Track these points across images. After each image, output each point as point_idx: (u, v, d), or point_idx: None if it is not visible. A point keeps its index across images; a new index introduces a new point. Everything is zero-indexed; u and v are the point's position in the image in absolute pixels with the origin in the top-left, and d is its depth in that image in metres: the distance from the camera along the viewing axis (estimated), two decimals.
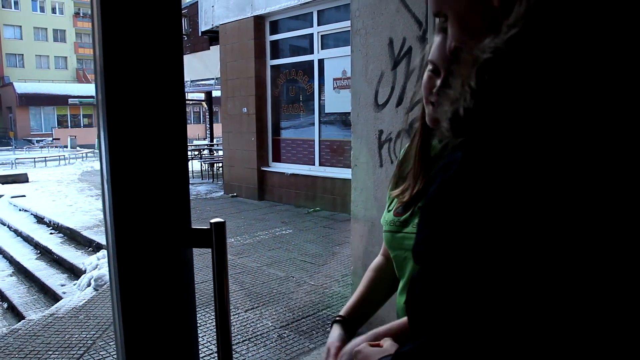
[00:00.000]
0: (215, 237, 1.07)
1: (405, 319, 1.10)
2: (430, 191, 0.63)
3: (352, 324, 1.29)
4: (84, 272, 6.10)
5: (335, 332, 1.27)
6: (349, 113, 8.37)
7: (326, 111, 8.89)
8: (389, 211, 1.35)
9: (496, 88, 0.51)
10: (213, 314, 4.34)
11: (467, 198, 0.55)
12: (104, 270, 5.70)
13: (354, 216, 3.63)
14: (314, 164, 9.12)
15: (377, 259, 1.45)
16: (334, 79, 8.58)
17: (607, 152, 0.48)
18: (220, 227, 1.08)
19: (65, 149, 28.60)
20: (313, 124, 9.13)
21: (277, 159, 9.85)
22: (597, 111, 0.48)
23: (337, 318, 1.30)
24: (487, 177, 0.53)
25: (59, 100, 37.48)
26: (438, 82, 1.13)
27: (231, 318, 4.11)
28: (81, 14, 48.43)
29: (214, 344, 3.71)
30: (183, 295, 1.07)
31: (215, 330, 1.13)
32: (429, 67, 1.16)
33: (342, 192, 8.23)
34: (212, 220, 1.06)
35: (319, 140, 9.04)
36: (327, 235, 6.96)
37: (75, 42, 48.47)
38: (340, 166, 8.62)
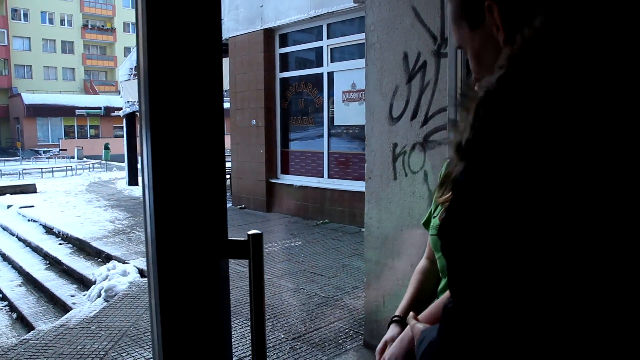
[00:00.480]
0: (253, 248, 1.09)
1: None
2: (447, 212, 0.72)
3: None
4: (94, 282, 6.12)
5: (393, 330, 1.34)
6: (358, 126, 8.48)
7: (335, 124, 8.94)
8: (434, 217, 1.42)
9: (487, 121, 0.60)
10: (239, 322, 4.33)
11: (472, 214, 0.63)
12: (114, 281, 5.72)
13: (367, 228, 3.65)
14: (322, 176, 9.14)
15: (422, 262, 1.51)
16: (344, 92, 8.63)
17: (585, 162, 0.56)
18: (257, 239, 1.10)
19: (72, 159, 28.75)
20: (322, 136, 9.17)
21: (285, 171, 9.88)
22: (569, 138, 0.56)
23: (394, 318, 1.37)
24: (486, 192, 0.61)
25: (66, 111, 37.79)
26: None
27: (243, 330, 4.12)
28: (89, 26, 48.91)
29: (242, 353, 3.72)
30: (220, 305, 1.09)
31: (249, 338, 1.15)
32: None
33: (350, 204, 8.25)
34: (250, 232, 1.09)
35: (328, 153, 9.07)
36: (337, 247, 6.96)
37: (83, 53, 48.87)
38: (349, 178, 8.64)
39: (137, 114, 14.77)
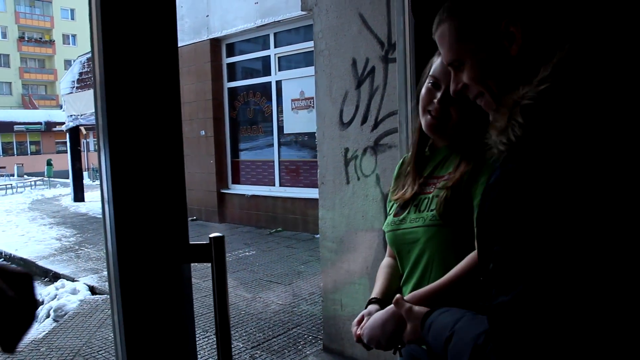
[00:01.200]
0: (215, 252, 1.10)
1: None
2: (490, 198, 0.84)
3: (385, 302, 1.38)
4: (42, 303, 5.89)
5: (372, 307, 1.40)
6: (307, 133, 8.53)
7: (285, 132, 8.96)
8: (389, 215, 1.50)
9: (539, 124, 0.76)
10: (201, 330, 4.27)
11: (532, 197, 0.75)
12: (63, 300, 5.54)
13: (321, 233, 3.68)
14: (274, 185, 9.14)
15: (386, 259, 1.58)
16: (292, 100, 8.67)
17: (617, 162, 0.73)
18: (219, 242, 1.11)
19: (11, 177, 27.62)
20: (272, 145, 9.17)
21: (236, 181, 9.82)
22: (614, 143, 0.73)
23: (372, 299, 1.44)
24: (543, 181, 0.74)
25: (3, 127, 36.21)
26: (437, 94, 1.36)
27: (201, 341, 4.07)
28: (26, 38, 47.19)
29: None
30: (183, 309, 1.09)
31: (207, 349, 1.15)
32: (430, 80, 1.38)
33: (303, 211, 8.27)
34: (212, 235, 1.10)
35: (279, 161, 9.08)
36: (291, 254, 6.97)
37: (20, 66, 47.12)
38: (301, 186, 8.67)
39: (81, 127, 14.33)
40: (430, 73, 1.38)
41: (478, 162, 1.29)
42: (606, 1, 0.91)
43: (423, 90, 1.39)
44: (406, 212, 1.42)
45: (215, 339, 1.11)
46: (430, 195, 1.38)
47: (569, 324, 0.71)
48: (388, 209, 1.54)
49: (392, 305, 1.21)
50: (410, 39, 1.88)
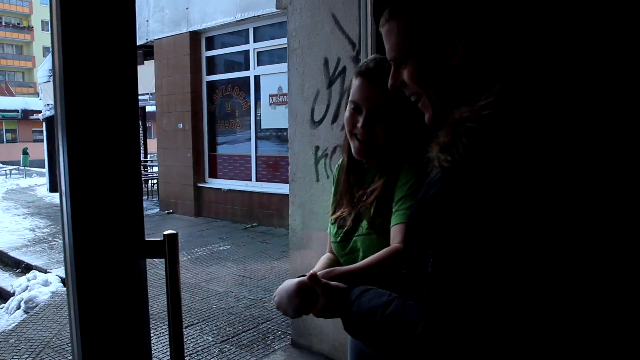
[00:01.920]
0: (168, 248, 1.14)
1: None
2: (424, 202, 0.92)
3: None
4: (13, 294, 5.86)
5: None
6: (285, 129, 8.55)
7: (262, 127, 8.98)
8: (332, 224, 1.58)
9: (480, 147, 0.82)
10: (157, 327, 4.28)
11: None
12: (35, 292, 5.51)
13: (292, 230, 3.73)
14: (250, 180, 9.16)
15: (328, 255, 1.64)
16: (270, 95, 8.69)
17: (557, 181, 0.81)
18: (172, 239, 1.15)
19: None
20: (249, 140, 9.19)
21: (213, 174, 9.81)
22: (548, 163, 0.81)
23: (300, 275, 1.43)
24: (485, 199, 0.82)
25: None
26: (360, 118, 1.41)
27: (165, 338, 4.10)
28: (3, 23, 46.33)
29: (160, 357, 3.69)
30: (138, 304, 1.13)
31: (166, 342, 1.19)
32: (351, 105, 1.43)
33: (279, 207, 8.31)
34: (165, 232, 1.14)
35: (256, 156, 9.10)
36: (265, 250, 7.01)
37: None
38: (277, 182, 8.70)
39: None
40: (350, 98, 1.43)
41: (393, 170, 1.42)
42: (550, 30, 0.99)
43: (346, 114, 1.45)
44: (348, 223, 1.51)
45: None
46: (365, 207, 1.47)
47: (488, 327, 0.82)
48: (331, 221, 1.60)
49: (302, 278, 1.25)
50: (373, 42, 1.94)
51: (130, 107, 1.07)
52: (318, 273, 1.23)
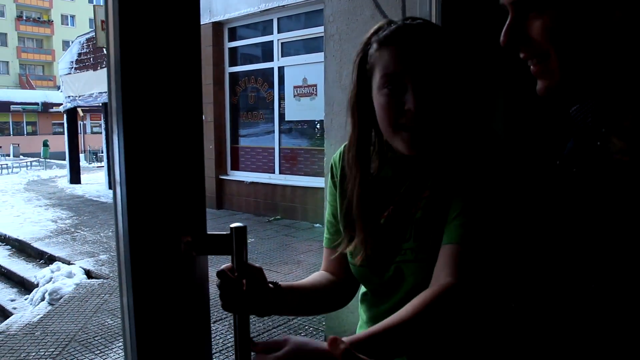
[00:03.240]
0: (236, 243, 1.02)
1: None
2: None
3: (280, 290, 1.09)
4: (37, 285, 5.82)
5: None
6: (309, 121, 8.42)
7: (286, 119, 8.85)
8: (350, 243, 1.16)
9: None
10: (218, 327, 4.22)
11: None
12: (59, 284, 5.46)
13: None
14: (274, 172, 9.05)
15: (326, 275, 1.25)
16: (295, 87, 8.55)
17: None
18: (241, 232, 1.03)
19: (7, 157, 27.46)
20: (273, 132, 9.07)
21: (235, 167, 9.72)
22: None
23: (271, 281, 1.09)
24: None
25: (0, 107, 36.00)
26: (408, 96, 0.98)
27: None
28: (24, 18, 46.76)
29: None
30: (198, 303, 1.02)
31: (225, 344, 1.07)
32: (387, 84, 1.00)
33: (302, 200, 8.20)
34: (233, 225, 1.02)
35: (279, 148, 8.98)
36: (290, 243, 6.89)
37: (17, 46, 46.71)
38: (301, 174, 8.58)
39: (79, 109, 14.18)
40: (383, 72, 1.00)
41: (448, 169, 1.04)
42: None
43: (382, 101, 1.01)
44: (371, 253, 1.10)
45: (231, 328, 1.02)
46: (410, 221, 1.07)
47: None
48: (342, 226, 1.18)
49: (321, 345, 0.87)
50: (437, 18, 1.79)
51: (193, 93, 0.96)
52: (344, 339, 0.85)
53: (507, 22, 0.78)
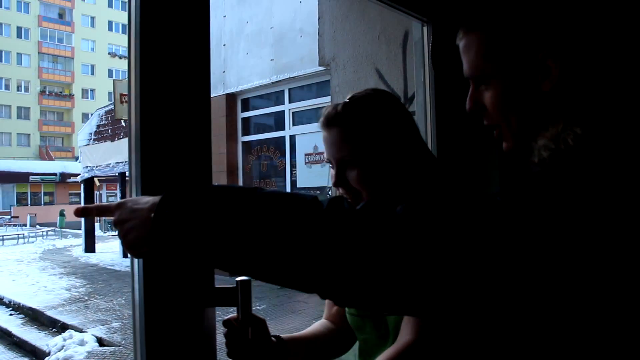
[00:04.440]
0: (241, 295, 1.09)
1: None
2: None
3: (282, 343, 1.18)
4: (48, 354, 5.81)
5: None
6: (320, 187, 8.54)
7: (298, 186, 9.00)
8: None
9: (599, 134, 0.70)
10: None
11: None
12: (71, 352, 5.46)
13: None
14: None
15: (326, 323, 1.36)
16: (306, 154, 8.75)
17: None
18: (245, 285, 1.10)
19: (24, 227, 27.77)
20: None
21: None
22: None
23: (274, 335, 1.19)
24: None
25: (19, 178, 36.74)
26: (351, 175, 1.14)
27: None
28: (47, 92, 48.50)
29: None
30: (206, 354, 1.07)
31: None
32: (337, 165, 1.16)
33: None
34: (238, 279, 1.09)
35: None
36: (303, 309, 6.87)
37: (39, 119, 48.22)
38: None
39: (95, 179, 14.40)
40: (328, 157, 1.19)
41: None
42: None
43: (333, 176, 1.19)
44: None
45: None
46: None
47: None
48: None
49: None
50: (431, 90, 1.92)
51: (203, 161, 1.08)
52: None
53: (469, 93, 0.91)
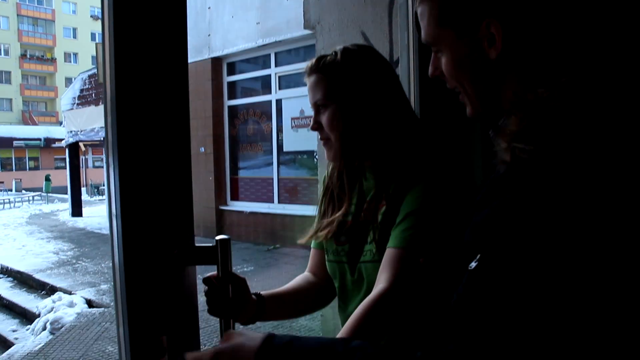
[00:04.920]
0: (221, 254, 1.12)
1: None
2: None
3: (263, 300, 1.23)
4: (38, 316, 5.89)
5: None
6: (307, 152, 8.58)
7: (285, 150, 9.01)
8: (329, 240, 1.30)
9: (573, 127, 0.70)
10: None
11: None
12: (60, 313, 5.53)
13: None
14: (273, 202, 9.17)
15: (307, 274, 1.40)
16: (292, 119, 8.74)
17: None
18: (225, 243, 1.12)
19: (9, 192, 27.58)
20: (271, 163, 9.22)
21: (235, 197, 9.85)
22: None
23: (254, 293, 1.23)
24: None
25: (3, 143, 36.26)
26: (323, 118, 1.21)
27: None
28: (28, 56, 47.47)
29: None
30: (187, 312, 1.10)
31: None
32: (314, 110, 1.23)
33: (301, 228, 8.23)
34: (217, 237, 1.12)
35: (278, 179, 9.12)
36: (289, 271, 6.96)
37: (21, 83, 47.32)
38: (299, 203, 8.69)
39: (81, 144, 14.29)
40: (314, 101, 1.24)
41: (398, 184, 1.19)
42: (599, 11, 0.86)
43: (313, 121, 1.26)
44: (356, 242, 1.25)
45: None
46: (369, 225, 1.23)
47: None
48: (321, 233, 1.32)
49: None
50: (414, 54, 1.93)
51: (181, 126, 1.07)
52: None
53: (431, 59, 0.94)
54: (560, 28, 0.82)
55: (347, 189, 1.28)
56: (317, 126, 1.24)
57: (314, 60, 1.24)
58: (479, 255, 0.70)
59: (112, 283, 1.09)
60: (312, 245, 1.40)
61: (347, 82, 1.19)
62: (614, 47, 0.86)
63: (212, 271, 1.14)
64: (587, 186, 0.66)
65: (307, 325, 4.82)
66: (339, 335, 1.09)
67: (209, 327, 4.57)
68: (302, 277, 1.39)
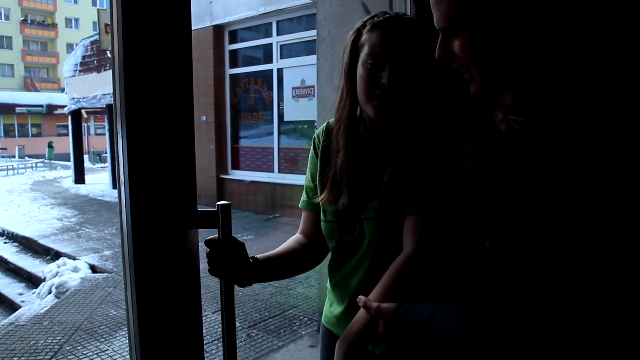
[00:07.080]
0: (222, 218, 1.18)
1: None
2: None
3: (258, 263, 1.32)
4: (44, 280, 6.03)
5: None
6: (307, 121, 8.60)
7: (285, 119, 9.04)
8: (330, 203, 1.34)
9: (560, 102, 0.80)
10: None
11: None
12: (65, 278, 5.66)
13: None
14: (273, 171, 9.24)
15: (298, 236, 1.49)
16: (293, 88, 8.74)
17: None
18: (226, 209, 1.19)
19: (13, 158, 27.68)
20: (272, 133, 9.26)
21: (236, 166, 9.91)
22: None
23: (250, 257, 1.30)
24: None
25: (5, 109, 36.19)
26: (384, 74, 1.19)
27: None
28: (29, 21, 46.95)
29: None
30: (189, 273, 1.17)
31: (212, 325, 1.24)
32: (369, 60, 1.20)
33: (301, 198, 8.35)
34: (219, 203, 1.18)
35: (278, 148, 9.17)
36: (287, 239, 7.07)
37: (22, 49, 46.94)
38: (299, 173, 8.75)
39: (83, 111, 14.22)
40: (368, 51, 1.21)
41: (414, 144, 1.24)
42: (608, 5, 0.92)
43: (363, 73, 1.22)
44: (343, 202, 1.31)
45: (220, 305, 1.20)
46: (377, 184, 1.28)
47: (557, 315, 0.76)
48: (321, 192, 1.39)
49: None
50: None
51: (185, 93, 1.12)
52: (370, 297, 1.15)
53: (438, 42, 1.01)
54: (565, 16, 0.89)
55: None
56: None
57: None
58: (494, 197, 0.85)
59: (120, 247, 1.16)
60: (303, 208, 1.48)
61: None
62: (611, 37, 0.91)
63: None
64: (567, 151, 0.76)
65: (304, 293, 4.93)
66: (371, 296, 1.16)
67: (209, 293, 4.68)
68: (294, 238, 1.47)
